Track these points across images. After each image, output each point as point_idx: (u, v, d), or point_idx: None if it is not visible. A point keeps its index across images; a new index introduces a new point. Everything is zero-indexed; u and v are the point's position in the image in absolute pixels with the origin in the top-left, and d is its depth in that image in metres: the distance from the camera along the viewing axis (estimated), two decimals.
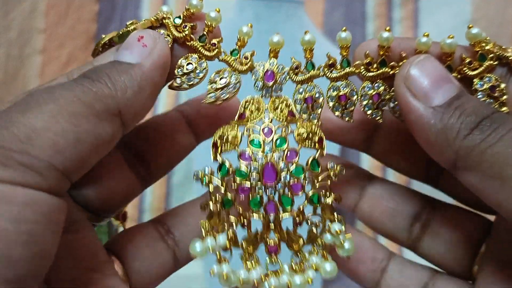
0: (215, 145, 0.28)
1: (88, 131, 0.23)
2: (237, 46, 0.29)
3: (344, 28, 0.29)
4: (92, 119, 0.23)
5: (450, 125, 0.24)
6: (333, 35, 0.69)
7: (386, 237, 0.33)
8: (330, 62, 0.29)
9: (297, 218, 0.28)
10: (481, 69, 0.28)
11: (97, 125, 0.23)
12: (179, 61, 0.28)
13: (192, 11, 0.29)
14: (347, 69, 0.29)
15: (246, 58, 0.29)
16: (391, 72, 0.28)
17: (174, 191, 0.70)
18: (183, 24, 0.28)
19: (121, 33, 0.29)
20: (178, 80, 0.28)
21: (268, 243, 0.28)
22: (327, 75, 0.29)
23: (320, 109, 0.29)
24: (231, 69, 0.29)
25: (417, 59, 0.26)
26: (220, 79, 0.29)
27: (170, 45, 0.28)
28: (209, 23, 0.28)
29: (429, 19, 0.71)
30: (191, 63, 0.28)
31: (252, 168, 0.27)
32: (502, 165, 0.23)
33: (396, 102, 0.28)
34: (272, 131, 0.28)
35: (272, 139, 0.28)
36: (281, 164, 0.27)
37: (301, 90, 0.29)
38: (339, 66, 0.29)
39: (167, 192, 0.70)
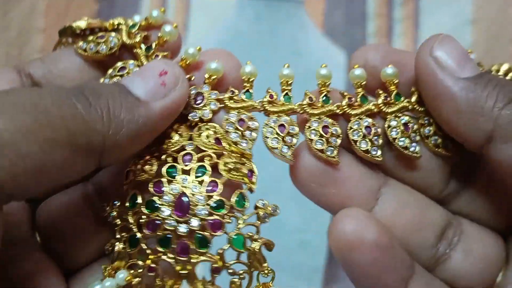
0: (128, 173, 0.25)
1: (56, 163, 0.19)
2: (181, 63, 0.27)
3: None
4: (68, 151, 0.20)
5: (486, 94, 0.23)
6: (333, 35, 0.69)
7: None
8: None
9: (215, 265, 0.24)
10: (396, 107, 0.27)
11: (69, 159, 0.20)
12: (117, 63, 0.27)
13: (150, 21, 0.28)
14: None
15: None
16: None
17: None
18: (136, 32, 0.28)
19: (74, 26, 0.28)
20: (107, 81, 0.27)
21: None
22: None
23: (255, 135, 0.26)
24: (136, 63, 0.27)
25: (439, 37, 0.25)
26: (121, 68, 0.27)
27: (117, 49, 0.27)
28: (161, 35, 0.27)
29: (430, 19, 0.71)
30: (125, 67, 0.27)
31: (164, 200, 0.23)
32: None
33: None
34: (191, 159, 0.24)
35: (192, 168, 0.24)
36: (198, 196, 0.23)
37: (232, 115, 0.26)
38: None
39: None
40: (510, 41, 0.67)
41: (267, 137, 0.26)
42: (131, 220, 0.24)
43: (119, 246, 0.24)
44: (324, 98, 0.27)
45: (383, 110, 0.27)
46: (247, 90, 0.27)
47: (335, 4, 0.73)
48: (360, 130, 0.26)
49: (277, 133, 0.26)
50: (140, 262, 0.24)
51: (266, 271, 0.24)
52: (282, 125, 0.26)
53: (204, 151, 0.25)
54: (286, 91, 0.27)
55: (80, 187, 0.28)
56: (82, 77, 0.27)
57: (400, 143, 0.26)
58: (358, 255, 0.23)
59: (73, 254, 0.27)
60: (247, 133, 0.26)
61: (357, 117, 0.26)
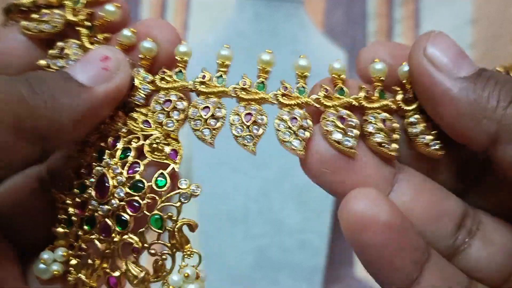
0: (70, 158, 0.26)
1: (1, 145, 0.20)
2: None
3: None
4: (14, 134, 0.20)
5: (487, 94, 0.23)
6: (333, 35, 0.69)
7: None
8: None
9: (135, 245, 0.24)
10: (377, 104, 0.26)
11: (14, 142, 0.20)
12: (58, 43, 0.27)
13: None
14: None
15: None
16: (356, 103, 0.26)
17: None
18: (79, 9, 0.27)
19: (18, 3, 0.27)
20: (48, 60, 0.26)
21: (109, 274, 0.24)
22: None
23: (182, 116, 0.25)
24: (79, 43, 0.27)
25: (431, 35, 0.24)
26: (62, 48, 0.26)
27: (61, 27, 0.26)
28: (102, 15, 0.27)
29: (430, 19, 0.71)
30: (65, 48, 0.26)
31: (90, 182, 0.24)
32: None
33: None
34: (118, 141, 0.25)
35: (117, 150, 0.25)
36: (119, 178, 0.24)
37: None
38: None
39: None
40: (510, 41, 0.67)
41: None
42: (68, 201, 0.25)
43: (60, 227, 0.25)
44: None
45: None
46: (180, 70, 0.26)
47: (335, 4, 0.73)
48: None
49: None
50: (76, 243, 0.25)
51: (188, 252, 0.24)
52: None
53: (134, 133, 0.25)
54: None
55: (35, 170, 0.28)
56: (29, 54, 0.27)
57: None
58: (369, 235, 0.22)
59: (29, 237, 0.27)
60: (174, 113, 0.25)
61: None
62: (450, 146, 0.26)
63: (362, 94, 0.26)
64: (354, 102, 0.26)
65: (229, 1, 0.62)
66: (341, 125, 0.25)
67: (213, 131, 0.25)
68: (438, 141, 0.26)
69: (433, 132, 0.26)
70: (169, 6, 0.74)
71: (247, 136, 0.25)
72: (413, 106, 0.26)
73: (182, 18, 0.75)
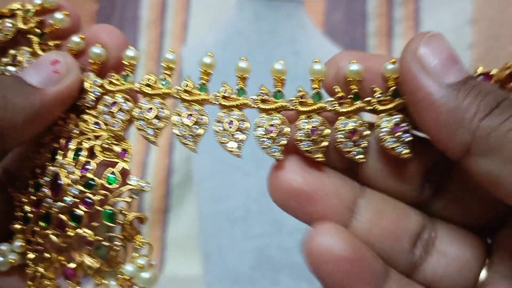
0: (26, 159, 0.27)
1: None
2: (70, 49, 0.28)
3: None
4: None
5: (467, 104, 0.22)
6: (333, 35, 0.69)
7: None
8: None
9: (89, 238, 0.25)
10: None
11: None
12: (10, 50, 0.28)
13: (45, 6, 0.28)
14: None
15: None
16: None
17: (174, 191, 0.70)
18: (29, 17, 0.28)
19: None
20: (1, 68, 0.27)
21: (66, 266, 0.26)
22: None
23: (127, 117, 0.26)
24: (30, 50, 0.28)
25: (426, 35, 0.24)
26: (14, 55, 0.27)
27: (12, 35, 0.28)
28: (52, 23, 0.28)
29: (430, 19, 0.71)
30: (18, 56, 0.27)
31: (45, 180, 0.26)
32: None
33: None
34: (70, 142, 0.26)
35: (70, 150, 0.26)
36: (72, 176, 0.25)
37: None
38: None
39: (167, 192, 0.70)
40: (510, 41, 0.68)
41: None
42: (24, 200, 0.26)
43: (17, 223, 0.26)
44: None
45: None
46: (127, 74, 0.27)
47: (335, 4, 0.73)
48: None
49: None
50: (33, 239, 0.26)
51: (138, 243, 0.26)
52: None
53: (85, 134, 0.27)
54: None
55: None
56: None
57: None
58: (328, 268, 0.24)
59: None
60: (120, 114, 0.27)
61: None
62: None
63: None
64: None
65: (229, 1, 0.62)
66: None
67: (156, 131, 0.26)
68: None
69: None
70: (169, 6, 0.74)
71: (188, 136, 0.26)
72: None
73: (182, 18, 0.75)
